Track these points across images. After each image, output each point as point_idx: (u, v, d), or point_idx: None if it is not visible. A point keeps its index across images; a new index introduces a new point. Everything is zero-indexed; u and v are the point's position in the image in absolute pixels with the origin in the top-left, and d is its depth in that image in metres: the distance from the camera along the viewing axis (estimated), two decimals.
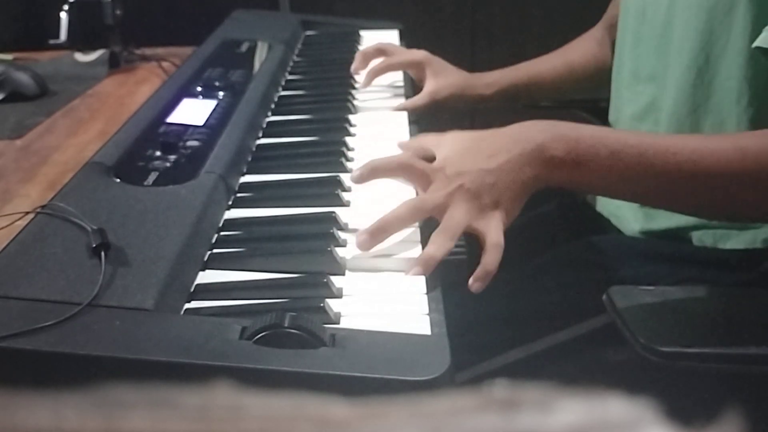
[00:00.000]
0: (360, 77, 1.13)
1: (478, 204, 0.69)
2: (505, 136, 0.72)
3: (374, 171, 0.74)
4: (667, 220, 0.87)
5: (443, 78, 1.09)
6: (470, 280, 0.67)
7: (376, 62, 1.13)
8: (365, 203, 0.76)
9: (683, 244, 0.86)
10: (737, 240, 0.83)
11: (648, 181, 0.69)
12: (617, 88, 0.99)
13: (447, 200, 0.69)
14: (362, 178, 0.74)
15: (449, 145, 0.75)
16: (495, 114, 1.04)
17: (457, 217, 0.68)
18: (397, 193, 0.76)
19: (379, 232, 0.67)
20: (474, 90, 1.10)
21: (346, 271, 0.65)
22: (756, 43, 0.73)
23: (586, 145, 0.69)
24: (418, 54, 1.11)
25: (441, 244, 0.66)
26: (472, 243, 0.96)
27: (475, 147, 0.72)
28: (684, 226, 0.86)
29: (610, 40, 1.12)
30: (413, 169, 0.73)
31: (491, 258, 0.67)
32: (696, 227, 0.85)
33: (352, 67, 1.14)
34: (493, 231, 0.68)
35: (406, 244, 0.69)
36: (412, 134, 0.96)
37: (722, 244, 0.84)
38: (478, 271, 0.67)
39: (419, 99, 1.08)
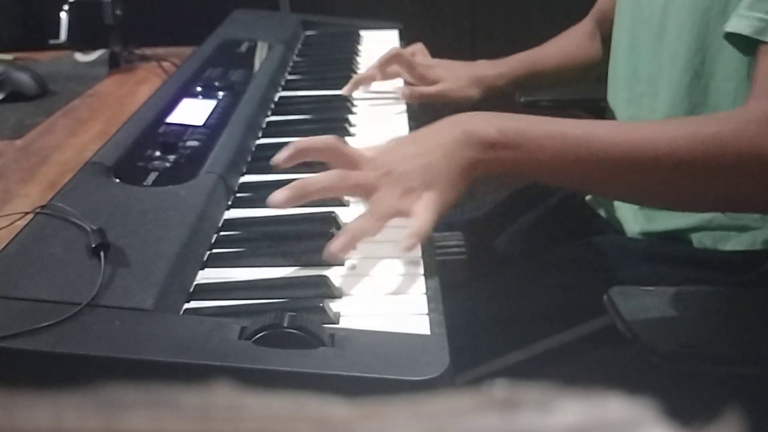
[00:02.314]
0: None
1: (407, 187, 0.66)
2: (436, 126, 0.71)
3: (299, 150, 0.69)
4: (666, 221, 0.87)
5: (454, 77, 1.08)
6: (399, 243, 0.64)
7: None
8: (365, 204, 0.76)
9: (683, 245, 0.86)
10: (737, 241, 0.83)
11: (591, 166, 0.68)
12: (614, 89, 0.99)
13: (373, 182, 0.66)
14: (288, 158, 0.69)
15: (383, 145, 0.73)
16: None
17: (385, 202, 0.65)
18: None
19: (298, 191, 0.64)
20: (488, 81, 1.10)
21: (346, 272, 0.65)
22: (727, 28, 0.72)
23: (521, 127, 0.68)
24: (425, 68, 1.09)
25: (367, 222, 0.64)
26: (472, 243, 0.96)
27: (406, 141, 0.71)
28: (684, 227, 0.86)
29: (601, 34, 1.12)
30: (340, 152, 0.69)
31: (419, 222, 0.64)
32: (696, 229, 0.85)
33: (372, 77, 1.10)
34: (421, 214, 0.65)
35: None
36: None
37: (722, 245, 0.84)
38: (407, 235, 0.64)
39: (431, 89, 1.06)
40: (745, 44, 0.72)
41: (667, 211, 0.87)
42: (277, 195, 0.64)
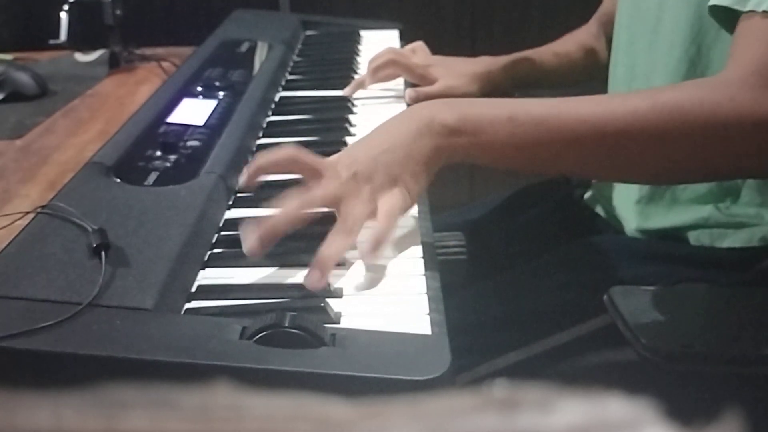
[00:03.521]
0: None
1: (373, 187, 0.66)
2: (396, 119, 0.70)
3: (259, 168, 0.69)
4: (663, 219, 0.87)
5: (455, 74, 1.09)
6: (360, 247, 0.64)
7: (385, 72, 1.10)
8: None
9: (681, 243, 0.86)
10: (734, 239, 0.83)
11: (547, 145, 0.67)
12: (613, 88, 0.99)
13: (340, 191, 0.65)
14: (249, 178, 0.69)
15: (345, 150, 0.72)
16: None
17: (353, 211, 0.65)
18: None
19: (267, 234, 0.63)
20: (489, 77, 1.09)
21: (346, 272, 0.65)
22: (710, 2, 0.72)
23: (479, 112, 0.68)
24: (424, 66, 1.09)
25: (338, 242, 0.63)
26: (472, 243, 0.96)
27: (368, 138, 0.71)
28: (680, 225, 0.86)
29: (605, 35, 1.13)
30: (301, 162, 0.68)
31: (381, 224, 0.64)
32: (693, 226, 0.85)
33: (364, 82, 1.09)
34: (387, 201, 0.65)
35: (406, 244, 0.69)
36: None
37: (719, 243, 0.84)
38: (362, 248, 0.64)
39: (433, 89, 1.06)
40: (728, 18, 0.72)
41: (663, 207, 0.87)
42: (249, 244, 0.62)
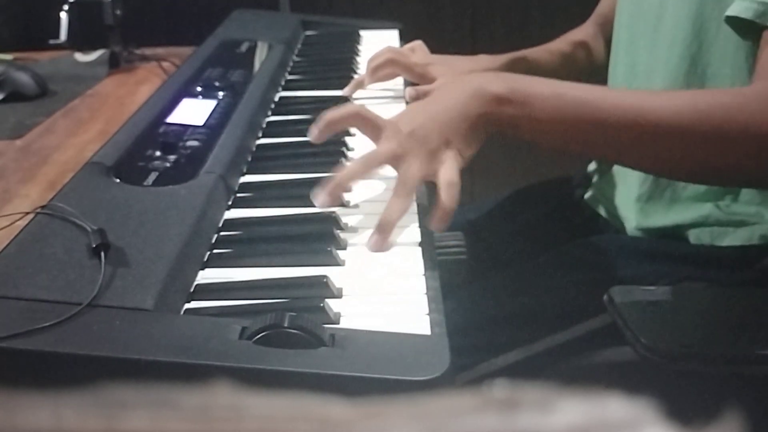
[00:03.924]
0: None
1: (429, 148, 0.70)
2: (448, 85, 0.76)
3: (329, 122, 0.75)
4: (663, 217, 0.87)
5: (454, 72, 1.09)
6: (430, 221, 0.69)
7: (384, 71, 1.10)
8: (365, 203, 0.76)
9: (681, 242, 0.86)
10: (734, 237, 0.84)
11: (591, 127, 0.71)
12: (614, 85, 0.99)
13: (399, 149, 0.70)
14: (320, 132, 0.75)
15: (403, 110, 0.78)
16: None
17: (410, 171, 0.69)
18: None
19: (336, 188, 0.70)
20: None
21: (346, 272, 0.65)
22: (728, 12, 0.73)
23: (530, 85, 0.72)
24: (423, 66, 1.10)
25: (397, 205, 0.68)
26: (472, 243, 0.96)
27: (422, 102, 0.76)
28: (680, 223, 0.86)
29: (603, 36, 1.13)
30: (365, 118, 0.74)
31: (446, 195, 0.69)
32: (693, 225, 0.86)
33: (363, 82, 1.10)
34: (446, 169, 0.70)
35: (405, 244, 0.69)
36: None
37: (719, 241, 0.84)
38: (436, 211, 0.69)
39: (432, 87, 1.06)
40: (746, 28, 0.73)
41: (663, 205, 0.87)
42: (321, 198, 0.70)
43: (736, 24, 0.74)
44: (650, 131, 0.69)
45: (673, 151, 0.70)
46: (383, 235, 0.66)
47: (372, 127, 0.74)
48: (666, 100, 0.70)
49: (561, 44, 1.17)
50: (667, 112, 0.68)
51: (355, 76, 1.15)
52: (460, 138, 0.71)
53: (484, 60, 1.12)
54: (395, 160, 0.70)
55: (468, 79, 0.74)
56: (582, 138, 0.74)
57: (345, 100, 1.07)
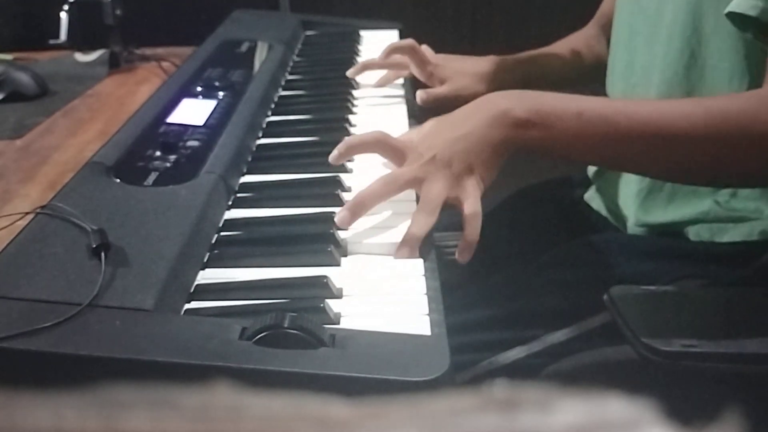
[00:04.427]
0: (367, 77, 1.13)
1: (452, 173, 0.71)
2: (470, 107, 0.75)
3: (350, 147, 0.77)
4: (663, 213, 0.87)
5: (462, 74, 1.09)
6: (456, 254, 0.70)
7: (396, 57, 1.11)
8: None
9: (681, 239, 0.86)
10: (734, 233, 0.84)
11: (614, 142, 0.72)
12: (611, 83, 0.99)
13: (422, 173, 0.71)
14: (340, 155, 0.77)
15: (423, 129, 0.79)
16: None
17: (434, 191, 0.70)
18: (397, 195, 0.76)
19: (357, 207, 0.70)
20: (495, 76, 1.10)
21: (346, 272, 0.65)
22: (729, 8, 0.73)
23: (550, 106, 0.72)
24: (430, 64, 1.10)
25: (422, 221, 0.69)
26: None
27: (444, 123, 0.76)
28: (680, 220, 0.86)
29: (605, 37, 1.13)
30: (387, 144, 0.76)
31: (471, 228, 0.70)
32: (693, 221, 0.86)
33: (372, 64, 1.12)
34: (471, 200, 0.71)
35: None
36: None
37: (719, 237, 0.84)
38: (462, 243, 0.70)
39: (442, 89, 1.08)
40: (747, 24, 0.73)
41: (663, 202, 0.87)
42: (341, 215, 0.70)
43: (737, 20, 0.74)
44: (669, 142, 0.70)
45: (693, 158, 0.71)
46: (410, 249, 0.67)
47: (394, 152, 0.75)
48: (682, 110, 0.70)
49: (565, 45, 1.17)
50: (684, 123, 0.69)
51: (357, 77, 1.15)
52: (483, 163, 0.72)
53: (489, 60, 1.12)
54: (417, 183, 0.71)
55: (491, 102, 0.74)
56: (603, 153, 0.75)
57: (345, 99, 1.07)
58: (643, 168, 0.78)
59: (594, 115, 0.72)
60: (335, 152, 0.77)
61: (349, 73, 1.10)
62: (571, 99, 0.74)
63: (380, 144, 0.76)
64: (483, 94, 1.08)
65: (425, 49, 1.15)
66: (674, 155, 0.72)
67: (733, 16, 0.74)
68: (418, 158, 0.72)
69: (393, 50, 1.10)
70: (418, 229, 0.68)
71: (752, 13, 0.71)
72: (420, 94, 1.06)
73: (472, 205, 0.71)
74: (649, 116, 0.71)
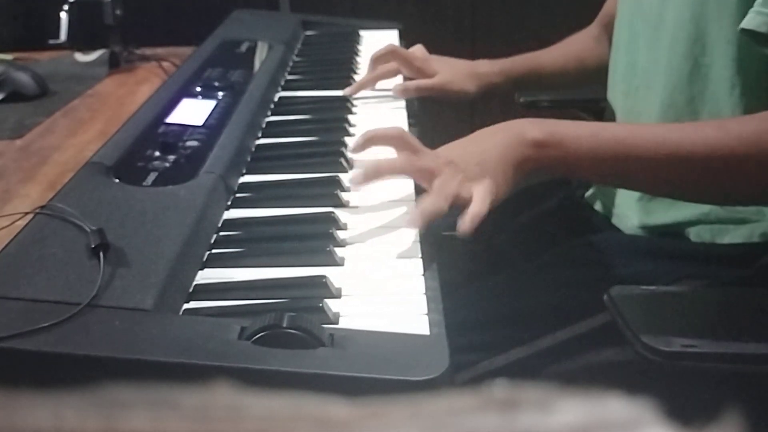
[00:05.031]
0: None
1: (465, 175, 0.72)
2: (491, 129, 0.77)
3: (370, 139, 0.78)
4: (664, 215, 0.87)
5: (453, 70, 1.10)
6: (458, 224, 0.70)
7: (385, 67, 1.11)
8: (365, 204, 0.77)
9: (682, 240, 0.86)
10: (734, 234, 0.84)
11: (630, 163, 0.73)
12: (612, 84, 0.99)
13: (436, 168, 0.72)
14: (361, 146, 0.78)
15: (442, 147, 0.79)
16: (495, 114, 1.04)
17: (447, 182, 0.71)
18: (397, 196, 0.76)
19: (372, 171, 0.72)
20: (486, 78, 1.11)
21: (346, 272, 0.65)
22: (742, 25, 0.73)
23: (565, 127, 0.74)
24: (423, 61, 1.11)
25: (434, 201, 0.69)
26: (472, 243, 0.96)
27: (464, 140, 0.77)
28: (681, 221, 0.86)
29: (607, 38, 1.13)
30: (407, 142, 0.76)
31: (467, 225, 0.69)
32: (694, 222, 0.86)
33: (366, 84, 1.11)
34: (478, 199, 0.71)
35: (405, 244, 0.69)
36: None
37: (720, 239, 0.84)
38: (466, 216, 0.70)
39: (429, 81, 1.08)
40: (761, 40, 0.73)
41: (665, 203, 0.87)
42: (356, 174, 0.73)
43: (750, 35, 0.74)
44: (684, 163, 0.71)
45: (707, 178, 0.73)
46: (419, 220, 0.68)
47: (412, 150, 0.75)
48: (696, 131, 0.72)
49: (563, 47, 1.17)
50: (700, 144, 0.70)
51: (356, 77, 1.15)
52: (498, 176, 0.73)
53: (483, 63, 1.12)
54: (430, 175, 0.72)
55: (511, 125, 0.76)
56: (617, 173, 0.76)
57: (345, 100, 1.07)
58: (658, 188, 0.79)
59: (607, 136, 0.74)
60: (356, 142, 0.79)
61: (345, 92, 1.09)
62: (588, 124, 0.76)
63: (400, 140, 0.76)
64: (471, 91, 1.10)
65: (417, 48, 1.15)
66: (689, 175, 0.73)
67: (744, 32, 0.74)
68: (435, 158, 0.73)
69: (376, 61, 1.11)
70: (430, 205, 0.69)
71: (764, 29, 0.71)
72: (396, 87, 1.07)
73: (477, 204, 0.70)
74: (663, 137, 0.72)
